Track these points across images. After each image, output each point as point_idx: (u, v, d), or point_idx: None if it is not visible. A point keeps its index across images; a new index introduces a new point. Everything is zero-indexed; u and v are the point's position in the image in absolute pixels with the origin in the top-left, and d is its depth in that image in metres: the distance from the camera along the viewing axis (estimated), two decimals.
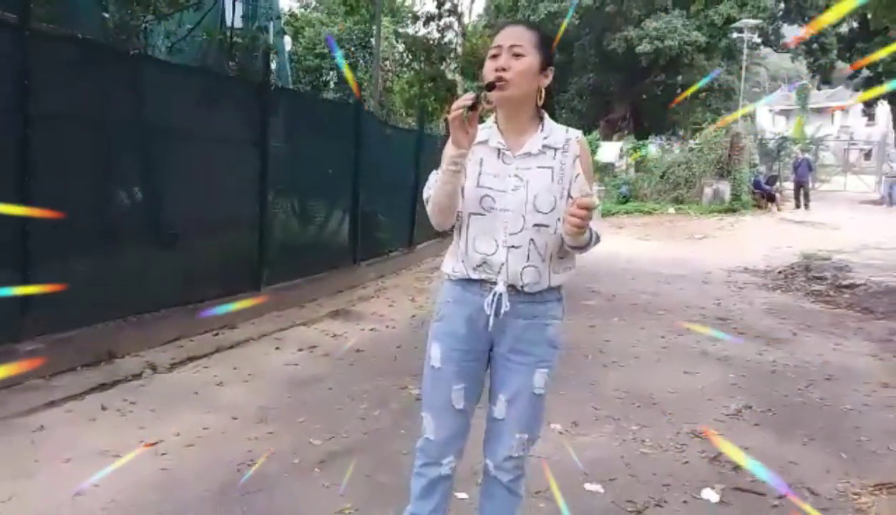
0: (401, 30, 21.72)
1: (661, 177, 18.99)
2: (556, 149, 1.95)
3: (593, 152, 20.46)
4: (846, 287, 8.50)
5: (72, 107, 4.57)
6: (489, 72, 1.90)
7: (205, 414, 3.77)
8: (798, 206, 20.34)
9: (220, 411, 3.84)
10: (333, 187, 7.89)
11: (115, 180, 5.20)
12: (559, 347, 2.05)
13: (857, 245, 12.40)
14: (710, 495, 3.04)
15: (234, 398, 4.09)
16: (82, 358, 4.39)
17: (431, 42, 17.87)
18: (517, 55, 1.88)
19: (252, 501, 2.84)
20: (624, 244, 12.76)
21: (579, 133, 2.02)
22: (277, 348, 5.25)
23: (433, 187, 1.96)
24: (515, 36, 1.90)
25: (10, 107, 4.08)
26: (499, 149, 1.96)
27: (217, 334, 5.39)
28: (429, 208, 1.98)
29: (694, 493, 3.05)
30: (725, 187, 18.33)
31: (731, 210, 17.74)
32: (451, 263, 2.04)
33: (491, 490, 2.11)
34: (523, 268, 1.92)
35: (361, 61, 19.93)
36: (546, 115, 2.00)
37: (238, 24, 10.72)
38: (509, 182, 1.92)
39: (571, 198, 1.89)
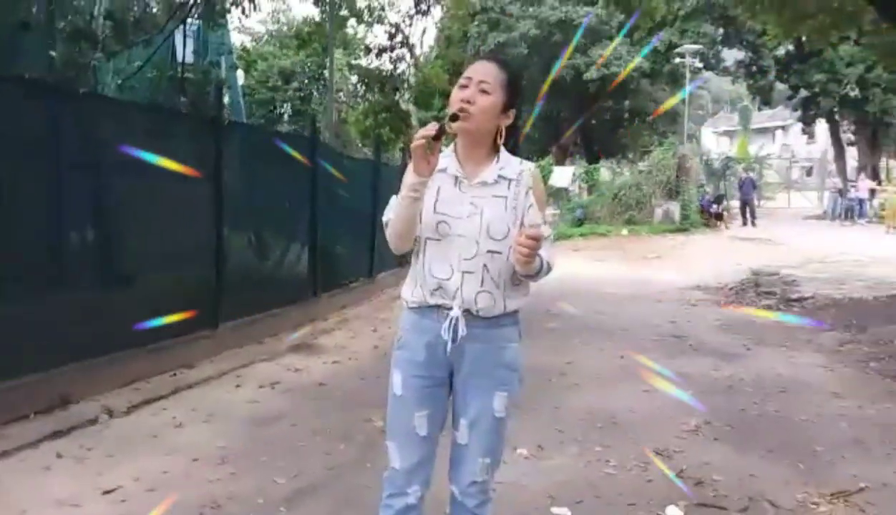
0: (354, 62, 21.88)
1: (613, 199, 19.40)
2: (510, 180, 2.02)
3: (547, 177, 20.81)
4: (795, 300, 8.79)
5: (19, 146, 4.47)
6: (455, 101, 1.96)
7: (164, 458, 3.68)
8: (745, 224, 20.99)
9: (180, 453, 3.76)
10: (291, 219, 7.85)
11: (66, 219, 5.09)
12: (518, 370, 2.09)
13: (803, 259, 12.83)
14: (675, 512, 3.09)
15: (195, 439, 4.00)
16: (35, 405, 4.24)
17: (385, 73, 18.04)
18: (484, 91, 1.95)
19: None
20: (581, 266, 12.95)
21: (532, 165, 2.09)
22: (238, 386, 5.17)
23: (393, 211, 2.02)
24: (486, 72, 1.98)
25: None
26: (456, 177, 2.02)
27: (175, 374, 5.28)
28: (387, 232, 2.04)
29: (659, 511, 3.10)
30: (675, 207, 18.84)
31: (682, 229, 18.22)
32: (410, 288, 2.08)
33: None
34: (477, 294, 1.97)
35: (315, 93, 19.96)
36: (503, 149, 2.06)
37: (189, 59, 10.67)
38: (465, 209, 1.98)
39: (524, 226, 1.96)
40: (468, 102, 1.94)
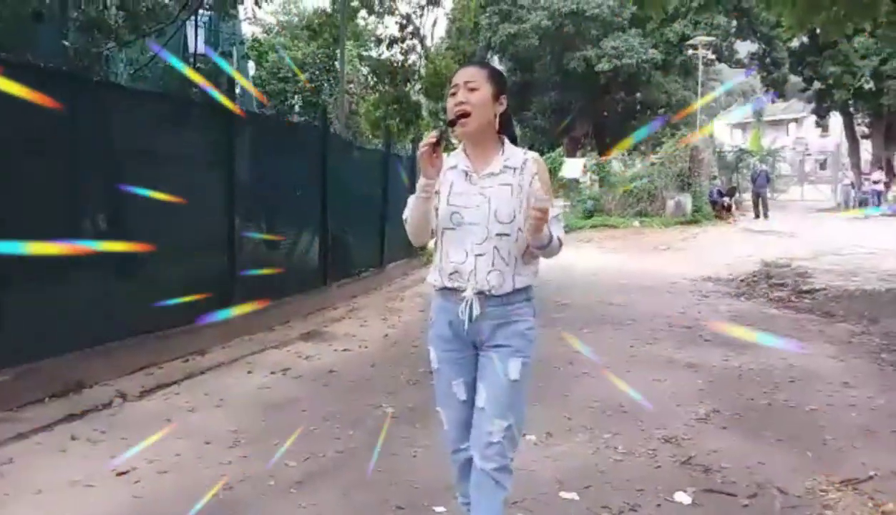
0: (364, 53, 21.85)
1: (625, 191, 19.32)
2: (514, 169, 2.24)
3: (557, 168, 20.74)
4: (806, 292, 8.74)
5: (35, 134, 4.52)
6: (450, 109, 2.21)
7: (177, 441, 3.73)
8: (757, 216, 20.87)
9: (192, 437, 3.80)
10: (302, 209, 7.89)
11: (81, 207, 5.14)
12: (532, 340, 2.27)
13: (815, 252, 12.74)
14: (683, 497, 3.11)
15: (207, 423, 4.05)
16: (50, 389, 4.32)
17: (395, 64, 18.02)
18: (472, 89, 2.19)
19: None
20: (591, 257, 12.94)
21: (535, 154, 2.32)
22: (249, 372, 5.21)
23: (409, 210, 2.26)
24: (469, 74, 2.23)
25: None
26: (466, 172, 2.26)
27: (187, 360, 5.34)
28: (407, 228, 2.30)
29: (667, 496, 3.11)
30: (687, 200, 18.73)
31: (694, 222, 18.12)
32: (433, 274, 2.31)
33: (479, 481, 2.22)
34: (488, 273, 2.19)
35: (326, 85, 19.99)
36: (506, 141, 2.30)
37: (201, 49, 10.72)
38: (475, 199, 2.21)
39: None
40: (463, 102, 2.18)
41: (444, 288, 2.26)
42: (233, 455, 3.55)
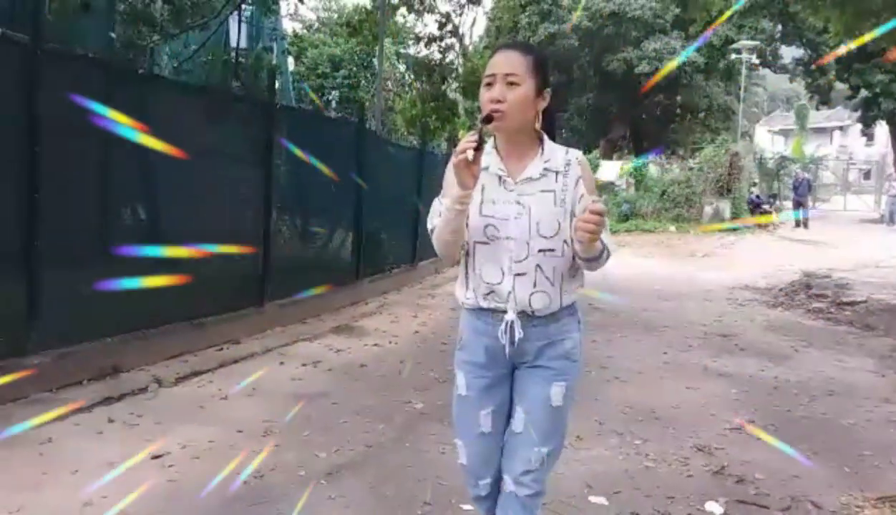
0: (402, 51, 21.95)
1: (662, 195, 19.09)
2: (557, 172, 1.94)
3: (593, 171, 20.57)
4: (847, 304, 8.53)
5: (80, 124, 4.63)
6: (485, 103, 1.89)
7: (210, 428, 3.79)
8: (798, 225, 20.43)
9: (225, 424, 3.86)
10: (337, 204, 7.95)
11: (122, 197, 5.26)
12: (577, 360, 2.03)
13: (856, 263, 12.43)
14: (714, 507, 3.06)
15: (239, 412, 4.11)
16: (88, 372, 4.42)
17: (433, 62, 18.03)
18: (512, 84, 1.86)
19: (259, 512, 2.86)
20: (625, 262, 12.79)
21: (579, 153, 2.01)
22: (282, 363, 5.27)
23: (437, 221, 1.96)
24: (509, 63, 1.88)
25: (20, 122, 4.14)
26: (499, 176, 1.95)
27: (221, 349, 5.42)
28: (434, 241, 1.98)
29: (698, 506, 3.06)
30: (725, 206, 18.42)
31: (732, 229, 17.81)
32: (463, 290, 2.04)
33: (506, 505, 2.05)
34: (531, 295, 1.92)
35: (363, 81, 20.09)
36: (546, 138, 1.99)
37: (243, 44, 10.87)
38: (512, 209, 1.91)
39: (575, 217, 1.87)
40: (499, 101, 1.86)
41: (479, 309, 1.99)
42: (264, 444, 3.60)
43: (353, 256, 8.16)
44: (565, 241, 1.91)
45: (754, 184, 21.50)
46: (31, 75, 4.15)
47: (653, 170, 20.83)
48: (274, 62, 12.39)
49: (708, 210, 18.45)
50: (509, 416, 2.08)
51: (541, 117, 1.96)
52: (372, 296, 8.24)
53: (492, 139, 2.00)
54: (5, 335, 4.08)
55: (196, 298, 5.54)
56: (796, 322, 7.58)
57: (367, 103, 14.70)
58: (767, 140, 48.30)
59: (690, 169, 19.42)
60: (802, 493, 3.22)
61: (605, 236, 1.85)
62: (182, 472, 3.21)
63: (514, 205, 1.91)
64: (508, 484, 2.03)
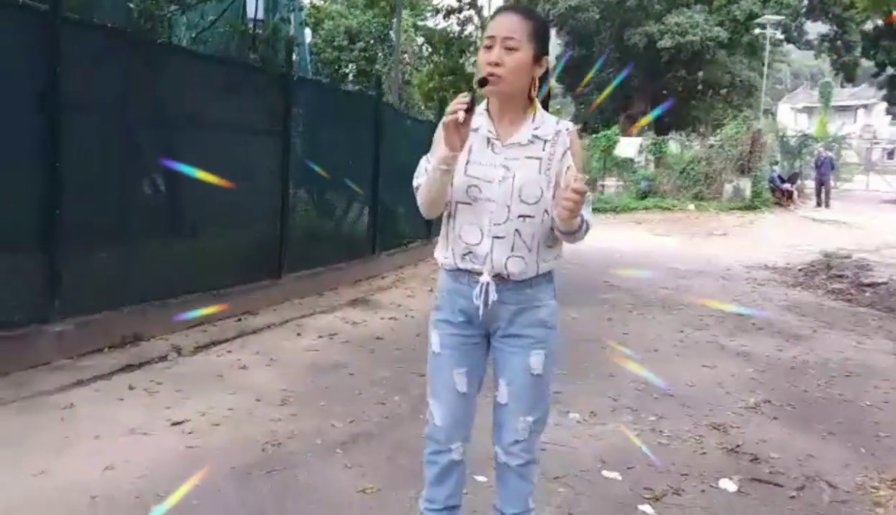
0: (420, 23, 21.74)
1: (681, 173, 18.88)
2: (545, 141, 1.94)
3: (613, 147, 20.36)
4: (867, 285, 8.44)
5: (99, 95, 4.65)
6: (482, 65, 1.88)
7: (229, 396, 3.84)
8: (819, 204, 20.17)
9: (243, 393, 3.91)
10: (353, 177, 7.94)
11: (141, 167, 5.29)
12: (554, 327, 2.03)
13: (878, 244, 12.27)
14: (728, 485, 3.06)
15: (258, 381, 4.16)
16: (109, 340, 4.49)
17: (451, 35, 17.88)
18: (510, 49, 1.86)
19: (277, 478, 2.91)
20: (643, 240, 12.74)
21: (570, 124, 2.01)
22: (298, 334, 5.32)
23: (423, 180, 1.96)
24: (509, 27, 1.88)
25: (42, 93, 4.16)
26: (488, 138, 1.95)
27: (239, 319, 5.48)
28: (419, 199, 2.00)
29: (712, 483, 3.07)
30: (746, 184, 18.19)
31: (752, 207, 17.61)
32: (442, 250, 2.05)
33: (503, 477, 2.08)
34: (508, 258, 1.92)
35: (380, 54, 19.95)
36: (539, 105, 1.99)
37: (260, 15, 10.79)
38: (497, 172, 1.92)
39: (559, 186, 1.89)
40: (497, 64, 1.86)
41: (456, 269, 1.99)
42: (282, 412, 3.64)
43: (370, 230, 8.17)
44: (546, 210, 1.92)
45: (776, 163, 21.19)
46: (51, 45, 4.16)
47: (673, 146, 20.57)
48: (291, 33, 12.31)
49: (728, 188, 18.23)
50: (481, 382, 2.10)
51: (537, 84, 1.95)
52: (388, 270, 8.27)
53: (485, 101, 1.99)
54: (29, 303, 4.14)
55: (215, 269, 5.60)
56: (815, 302, 7.52)
57: (384, 76, 14.60)
58: (790, 118, 47.54)
59: (711, 146, 19.15)
60: (817, 473, 3.21)
61: (586, 211, 1.87)
62: (201, 439, 3.26)
63: (499, 168, 1.92)
64: (500, 455, 2.05)
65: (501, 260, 1.92)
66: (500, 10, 1.99)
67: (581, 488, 2.96)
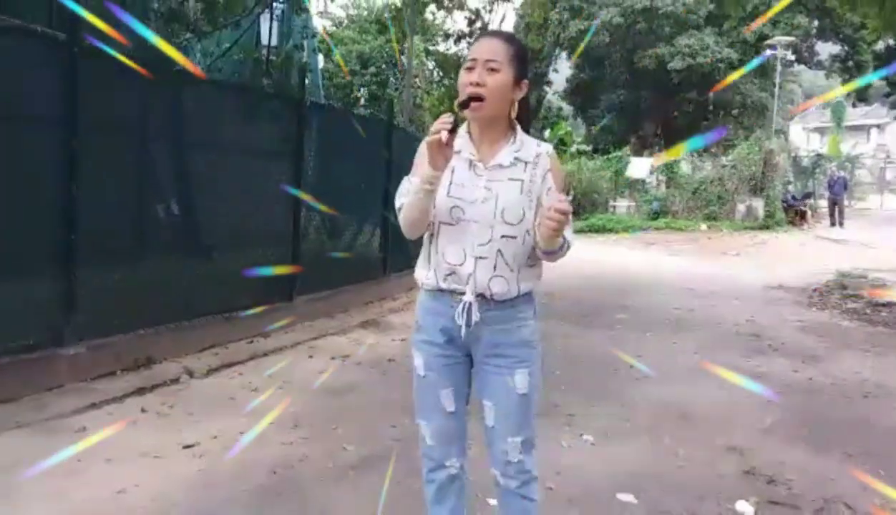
0: (431, 48, 21.97)
1: (693, 193, 18.83)
2: (526, 163, 1.99)
3: (623, 168, 20.37)
4: (883, 305, 8.33)
5: (116, 121, 4.72)
6: (463, 85, 1.93)
7: (240, 419, 3.84)
8: (833, 224, 20.03)
9: (255, 416, 3.90)
10: (365, 200, 7.99)
11: (156, 192, 5.35)
12: (536, 347, 2.05)
13: (893, 264, 12.14)
14: (745, 507, 3.01)
15: (269, 404, 4.15)
16: (122, 363, 4.51)
17: (462, 59, 18.05)
18: (492, 70, 1.91)
19: (288, 502, 2.89)
20: (656, 260, 12.68)
21: (550, 147, 2.06)
22: (310, 357, 5.32)
23: (406, 200, 1.98)
24: (491, 50, 1.93)
25: (59, 120, 4.24)
26: (470, 160, 1.99)
27: (251, 342, 5.49)
28: (401, 219, 2.01)
29: (728, 505, 3.02)
30: (759, 204, 18.11)
31: (765, 227, 17.52)
32: (424, 271, 2.07)
33: (505, 500, 2.09)
34: (491, 279, 1.95)
35: (392, 79, 20.15)
36: (519, 128, 2.03)
37: (274, 42, 10.96)
38: (479, 193, 1.95)
39: (541, 207, 1.92)
40: (478, 85, 1.90)
41: (438, 289, 2.01)
42: (293, 435, 3.64)
43: (381, 252, 8.20)
44: (528, 231, 1.95)
45: (789, 183, 21.10)
46: (69, 72, 4.23)
47: (685, 167, 20.55)
48: (305, 60, 12.49)
49: (741, 208, 18.16)
50: (468, 398, 2.12)
51: (517, 107, 2.00)
52: (399, 292, 8.27)
53: (465, 124, 2.03)
54: (44, 326, 4.18)
55: (227, 292, 5.62)
56: (831, 322, 7.43)
57: (395, 100, 14.75)
58: (803, 138, 47.36)
59: (723, 166, 19.11)
60: (836, 496, 3.16)
61: (567, 232, 1.91)
62: (213, 462, 3.26)
63: (482, 189, 1.95)
64: (499, 478, 2.08)
65: (484, 281, 1.95)
66: (482, 35, 2.07)
67: (595, 511, 2.92)
